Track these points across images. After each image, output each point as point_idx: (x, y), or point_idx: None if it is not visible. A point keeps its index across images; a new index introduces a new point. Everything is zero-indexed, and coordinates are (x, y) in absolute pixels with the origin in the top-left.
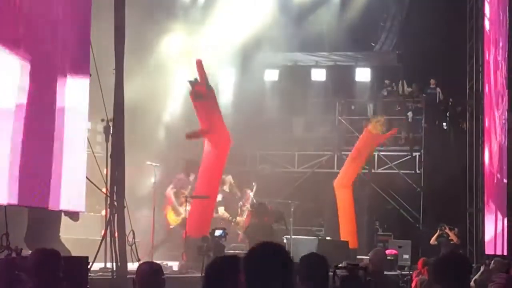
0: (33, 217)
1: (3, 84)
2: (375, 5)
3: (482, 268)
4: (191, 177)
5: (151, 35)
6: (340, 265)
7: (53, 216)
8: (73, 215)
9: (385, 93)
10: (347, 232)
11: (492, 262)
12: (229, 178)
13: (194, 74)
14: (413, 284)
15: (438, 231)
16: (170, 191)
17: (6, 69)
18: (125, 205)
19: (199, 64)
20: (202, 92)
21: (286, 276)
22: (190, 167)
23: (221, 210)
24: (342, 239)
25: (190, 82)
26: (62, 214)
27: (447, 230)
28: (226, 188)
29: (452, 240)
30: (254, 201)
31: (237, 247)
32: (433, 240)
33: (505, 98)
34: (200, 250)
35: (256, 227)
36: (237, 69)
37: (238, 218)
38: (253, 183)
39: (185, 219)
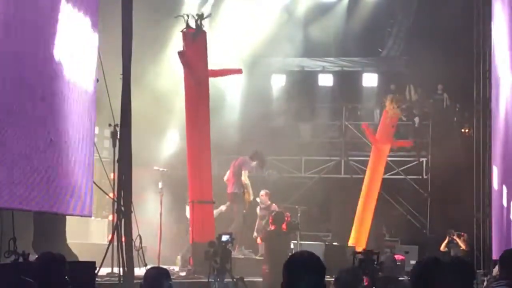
0: (39, 223)
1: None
2: (382, 10)
3: (485, 282)
4: (253, 163)
5: (157, 42)
6: (359, 250)
7: (59, 222)
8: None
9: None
10: (358, 235)
11: (496, 268)
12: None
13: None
14: None
15: (447, 238)
16: (245, 175)
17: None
18: (132, 210)
19: None
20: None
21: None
22: (257, 156)
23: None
24: (350, 243)
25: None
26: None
27: (455, 237)
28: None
29: (461, 246)
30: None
31: (244, 252)
32: (443, 247)
33: None
34: (207, 255)
35: (274, 234)
36: (244, 74)
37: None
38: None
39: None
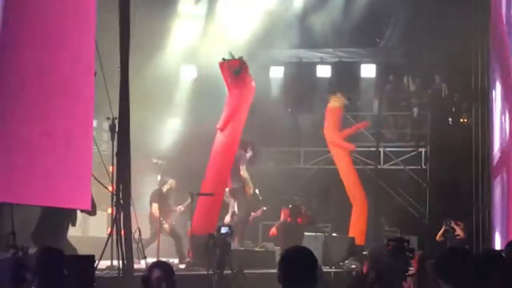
0: (43, 214)
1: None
2: (380, 1)
3: None
4: (248, 154)
5: (155, 33)
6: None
7: (62, 214)
8: (91, 211)
9: (390, 89)
10: (356, 229)
11: None
12: (171, 182)
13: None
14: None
15: (444, 226)
16: (243, 169)
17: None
18: (131, 203)
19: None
20: (236, 65)
21: (313, 277)
22: (246, 144)
23: (154, 207)
24: (349, 235)
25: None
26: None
27: (453, 225)
28: (164, 189)
29: (458, 235)
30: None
31: (243, 244)
32: (439, 236)
33: None
34: (206, 247)
35: (289, 226)
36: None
37: (165, 225)
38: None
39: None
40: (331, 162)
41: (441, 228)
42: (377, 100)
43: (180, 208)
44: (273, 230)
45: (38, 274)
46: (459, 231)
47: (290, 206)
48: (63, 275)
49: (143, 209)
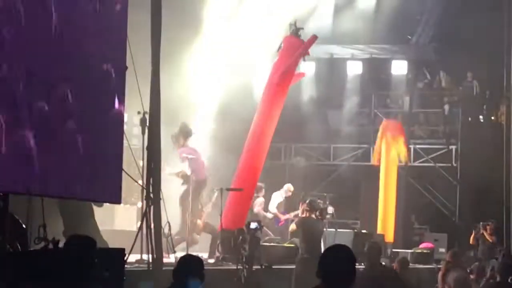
0: (66, 211)
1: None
2: None
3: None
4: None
5: (187, 28)
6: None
7: (86, 208)
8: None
9: (421, 86)
10: (385, 226)
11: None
12: None
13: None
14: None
15: (473, 232)
16: None
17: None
18: (161, 197)
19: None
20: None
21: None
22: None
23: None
24: (378, 232)
25: None
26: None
27: (482, 231)
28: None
29: (487, 240)
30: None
31: (272, 239)
32: (472, 241)
33: None
34: (236, 242)
35: (306, 221)
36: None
37: (198, 222)
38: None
39: None
40: (360, 158)
41: (472, 226)
42: (408, 97)
43: (209, 204)
44: (293, 226)
45: (69, 262)
46: (487, 237)
47: (307, 201)
48: (93, 262)
49: (174, 203)
